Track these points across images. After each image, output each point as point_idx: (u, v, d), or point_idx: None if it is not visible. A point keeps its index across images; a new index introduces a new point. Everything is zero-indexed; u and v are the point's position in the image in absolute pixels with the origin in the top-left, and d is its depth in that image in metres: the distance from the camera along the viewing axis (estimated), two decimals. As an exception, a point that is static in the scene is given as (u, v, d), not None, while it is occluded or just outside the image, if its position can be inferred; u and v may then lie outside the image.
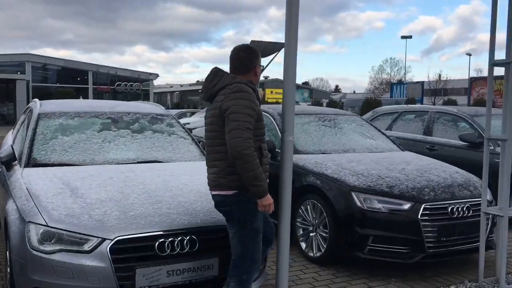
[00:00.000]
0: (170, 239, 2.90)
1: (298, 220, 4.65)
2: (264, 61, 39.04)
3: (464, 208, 4.18)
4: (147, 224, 2.90)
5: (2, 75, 34.46)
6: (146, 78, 41.56)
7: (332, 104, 24.84)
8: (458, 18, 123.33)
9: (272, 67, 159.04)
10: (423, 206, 4.05)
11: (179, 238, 2.93)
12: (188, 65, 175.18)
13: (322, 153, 5.03)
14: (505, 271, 3.90)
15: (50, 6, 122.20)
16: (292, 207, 4.75)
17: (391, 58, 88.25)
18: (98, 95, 39.33)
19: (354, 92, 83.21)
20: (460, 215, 4.15)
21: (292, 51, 2.99)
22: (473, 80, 42.08)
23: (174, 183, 3.49)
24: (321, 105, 25.06)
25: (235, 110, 2.69)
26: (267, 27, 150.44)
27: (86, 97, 33.89)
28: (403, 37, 54.20)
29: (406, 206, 4.06)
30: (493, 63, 3.94)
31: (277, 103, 38.40)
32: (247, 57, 2.92)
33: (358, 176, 4.32)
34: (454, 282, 4.08)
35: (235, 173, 2.74)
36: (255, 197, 2.74)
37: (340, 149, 5.18)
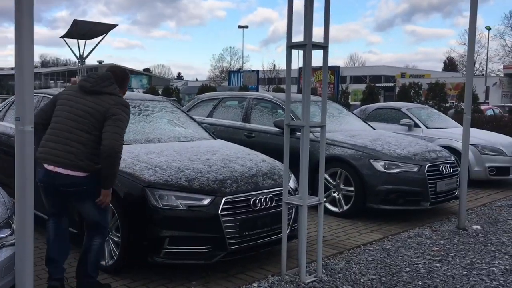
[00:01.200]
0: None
1: (88, 223, 3.97)
2: (91, 43, 36.58)
3: (267, 199, 3.97)
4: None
5: None
6: None
7: (167, 91, 24.11)
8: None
9: (104, 51, 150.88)
10: (224, 199, 3.72)
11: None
12: (14, 46, 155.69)
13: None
14: (305, 261, 3.79)
15: None
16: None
17: (230, 47, 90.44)
18: None
19: (196, 79, 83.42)
20: (263, 207, 3.93)
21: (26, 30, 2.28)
22: (301, 70, 45.15)
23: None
24: (157, 91, 24.26)
25: (122, 119, 3.25)
26: (105, 9, 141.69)
27: None
28: (240, 26, 55.79)
29: (206, 201, 3.69)
30: (290, 45, 3.75)
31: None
32: (125, 78, 3.59)
33: (155, 170, 3.81)
34: (257, 278, 3.86)
35: (91, 159, 3.21)
36: (106, 188, 3.23)
37: (142, 138, 4.61)
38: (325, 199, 5.92)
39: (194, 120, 5.60)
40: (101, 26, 34.80)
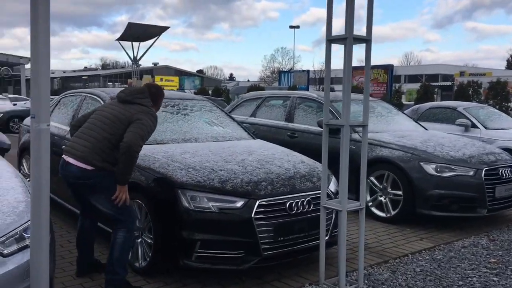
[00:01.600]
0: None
1: (123, 224, 3.91)
2: (144, 46, 37.61)
3: (305, 203, 3.75)
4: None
5: None
6: (16, 62, 37.49)
7: (217, 91, 24.32)
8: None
9: (161, 53, 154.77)
10: (257, 202, 3.54)
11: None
12: (77, 50, 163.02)
13: (158, 144, 4.33)
14: (345, 269, 3.53)
15: None
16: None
17: (282, 48, 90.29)
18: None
19: (248, 80, 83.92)
20: (300, 211, 3.71)
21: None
22: (353, 69, 44.26)
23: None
24: (207, 92, 24.56)
25: (146, 124, 3.36)
26: (162, 13, 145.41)
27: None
28: (291, 27, 55.47)
29: (239, 203, 3.52)
30: (329, 39, 3.51)
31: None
32: (159, 94, 3.75)
33: (188, 171, 3.69)
34: (294, 286, 3.65)
35: (100, 156, 3.33)
36: (120, 183, 3.31)
37: (179, 138, 4.52)
38: (370, 203, 5.61)
39: (234, 119, 5.46)
40: (154, 28, 35.59)
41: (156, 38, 35.81)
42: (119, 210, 3.37)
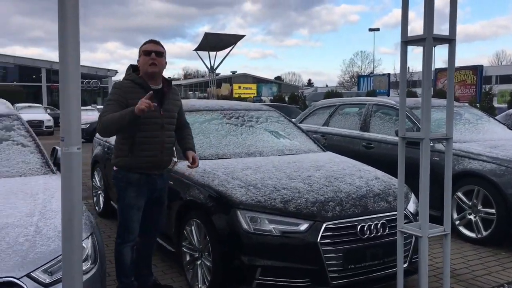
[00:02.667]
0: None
1: (184, 243, 3.73)
2: (221, 54, 38.35)
3: (379, 226, 3.33)
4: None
5: None
6: (104, 75, 39.90)
7: (293, 98, 24.03)
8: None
9: (240, 61, 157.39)
10: (324, 225, 3.17)
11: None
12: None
13: (219, 158, 4.11)
14: (427, 305, 3.05)
15: (18, 2, 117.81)
16: (178, 228, 3.88)
17: (361, 51, 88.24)
18: (52, 93, 37.45)
19: (326, 85, 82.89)
20: (373, 235, 3.29)
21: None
22: (438, 71, 41.96)
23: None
24: (283, 99, 24.31)
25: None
26: (242, 22, 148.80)
27: (39, 95, 32.24)
28: (370, 29, 53.94)
29: (303, 226, 3.18)
30: (405, 41, 3.07)
31: (239, 99, 37.47)
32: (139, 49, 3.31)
33: (249, 189, 3.41)
34: (366, 320, 3.23)
35: (114, 152, 3.35)
36: (133, 115, 2.97)
37: (243, 152, 4.27)
38: (458, 221, 5.00)
39: (302, 130, 5.12)
40: (230, 37, 36.05)
41: (232, 47, 36.29)
42: (119, 221, 3.36)
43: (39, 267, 2.26)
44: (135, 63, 3.36)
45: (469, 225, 4.96)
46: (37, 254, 2.30)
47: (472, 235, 4.92)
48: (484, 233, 4.81)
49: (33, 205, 2.68)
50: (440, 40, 3.03)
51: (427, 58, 2.99)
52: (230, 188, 3.44)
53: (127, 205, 3.28)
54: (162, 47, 3.31)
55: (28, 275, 2.20)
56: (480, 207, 4.85)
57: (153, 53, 3.21)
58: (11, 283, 2.14)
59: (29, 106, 23.56)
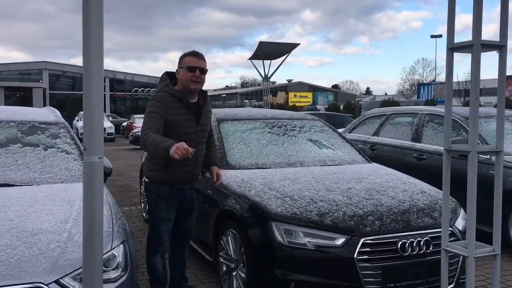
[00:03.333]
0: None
1: (221, 253, 3.70)
2: (275, 62, 38.54)
3: (422, 243, 3.14)
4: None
5: (19, 84, 34.88)
6: (155, 83, 41.13)
7: (348, 106, 23.58)
8: (499, 15, 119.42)
9: (297, 70, 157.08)
10: (362, 241, 3.03)
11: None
12: (221, 70, 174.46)
13: (259, 168, 4.06)
14: (474, 331, 2.82)
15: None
16: (216, 237, 3.87)
17: (423, 59, 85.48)
18: (116, 102, 39.21)
19: (385, 94, 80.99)
20: (415, 252, 3.11)
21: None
22: (506, 79, 39.76)
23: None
24: (338, 107, 23.90)
25: (146, 113, 3.12)
26: (301, 30, 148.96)
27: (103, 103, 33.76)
28: (432, 36, 52.10)
29: (340, 241, 3.05)
30: (451, 47, 2.89)
31: (294, 107, 37.30)
32: (179, 59, 3.24)
33: (285, 200, 3.33)
34: None
35: (147, 164, 3.32)
36: (165, 155, 2.78)
37: (283, 162, 4.20)
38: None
39: (347, 140, 4.97)
40: (285, 46, 36.12)
41: (286, 55, 36.32)
42: (149, 231, 3.39)
43: (68, 274, 2.29)
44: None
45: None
46: (67, 261, 2.34)
47: (533, 255, 4.55)
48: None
49: (68, 212, 2.74)
50: (489, 46, 2.82)
51: (475, 66, 2.79)
52: (266, 199, 3.38)
53: (158, 217, 3.27)
54: (205, 61, 3.22)
55: (57, 282, 2.24)
56: (541, 226, 4.48)
57: (197, 70, 3.11)
58: None
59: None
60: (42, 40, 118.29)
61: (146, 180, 3.31)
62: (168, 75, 3.27)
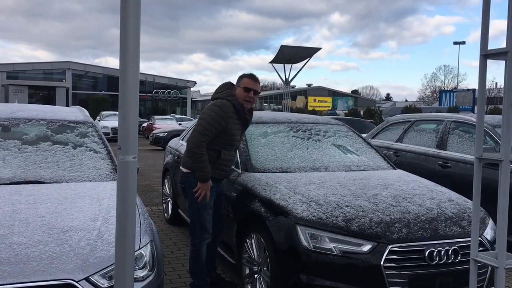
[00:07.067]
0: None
1: (244, 256, 3.70)
2: (296, 66, 38.50)
3: (450, 252, 3.08)
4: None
5: (43, 83, 35.57)
6: (183, 86, 41.55)
7: (368, 112, 23.40)
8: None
9: (321, 74, 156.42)
10: (389, 248, 3.00)
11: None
12: (243, 72, 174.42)
13: (283, 172, 4.05)
14: None
15: (115, 16, 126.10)
16: (239, 240, 3.87)
17: (444, 65, 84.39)
18: (140, 103, 39.69)
19: (406, 100, 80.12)
20: (442, 261, 3.06)
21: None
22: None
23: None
24: (358, 113, 23.74)
25: (203, 118, 3.45)
26: (328, 33, 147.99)
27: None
28: (455, 43, 51.33)
29: (366, 247, 3.02)
30: (485, 54, 2.84)
31: (313, 112, 37.16)
32: (239, 78, 3.68)
33: (310, 205, 3.31)
34: None
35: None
36: (198, 180, 3.44)
37: (308, 166, 4.18)
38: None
39: (372, 146, 4.92)
40: (306, 50, 35.97)
41: (307, 59, 36.20)
42: (192, 222, 3.60)
43: (98, 271, 2.32)
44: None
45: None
46: (97, 259, 2.36)
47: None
48: None
49: (98, 210, 2.77)
50: (525, 53, 2.76)
51: (509, 74, 2.74)
52: (291, 203, 3.37)
53: (202, 206, 3.54)
54: (259, 83, 3.71)
55: (87, 279, 2.26)
56: None
57: (252, 92, 3.60)
58: (70, 285, 2.21)
59: (114, 114, 25.05)
60: (68, 39, 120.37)
61: (185, 170, 3.58)
62: (231, 85, 3.72)
